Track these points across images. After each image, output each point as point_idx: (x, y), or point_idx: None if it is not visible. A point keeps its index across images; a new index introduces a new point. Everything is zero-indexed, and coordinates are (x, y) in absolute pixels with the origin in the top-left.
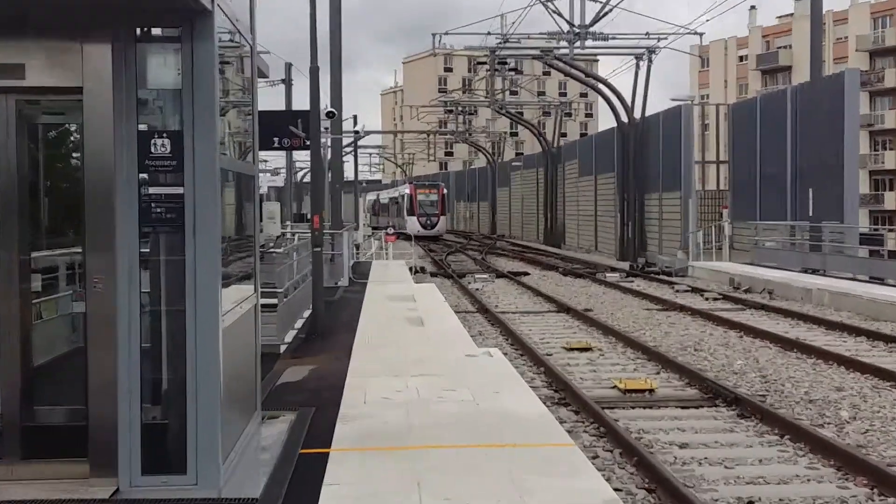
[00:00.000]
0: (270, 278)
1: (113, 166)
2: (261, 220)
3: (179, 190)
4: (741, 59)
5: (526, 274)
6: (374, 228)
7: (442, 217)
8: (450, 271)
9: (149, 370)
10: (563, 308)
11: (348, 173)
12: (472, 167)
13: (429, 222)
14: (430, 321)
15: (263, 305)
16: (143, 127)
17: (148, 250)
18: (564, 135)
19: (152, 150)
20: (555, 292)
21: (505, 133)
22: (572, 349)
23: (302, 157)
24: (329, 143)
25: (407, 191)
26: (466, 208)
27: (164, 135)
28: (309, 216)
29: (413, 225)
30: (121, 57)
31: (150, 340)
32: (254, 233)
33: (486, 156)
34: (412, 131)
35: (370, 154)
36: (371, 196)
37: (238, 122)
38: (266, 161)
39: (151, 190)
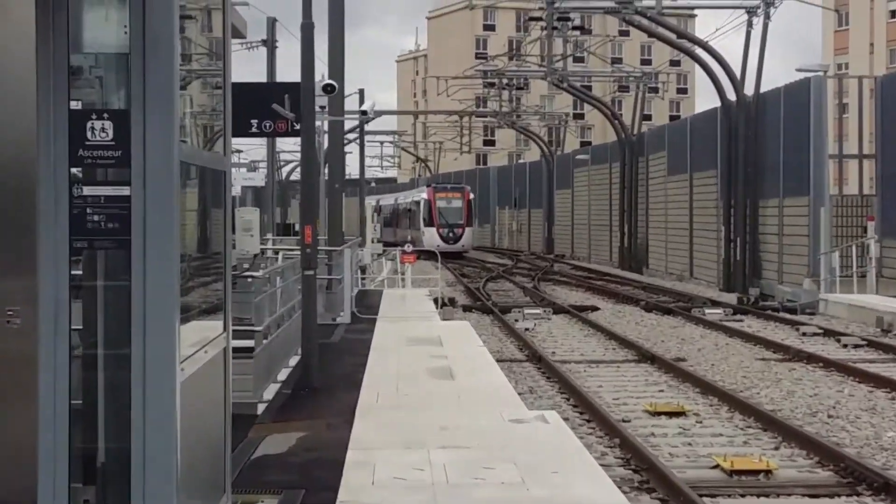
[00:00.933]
0: (246, 312)
1: (34, 158)
2: (233, 233)
3: (125, 191)
4: (893, 14)
5: (594, 309)
6: (385, 245)
7: (467, 228)
8: (489, 304)
9: (80, 437)
10: (646, 356)
11: (352, 169)
12: (521, 161)
13: (451, 234)
14: (463, 373)
15: (236, 349)
16: (75, 105)
17: (81, 273)
18: (648, 117)
19: (89, 136)
20: (634, 334)
21: (566, 115)
22: (658, 413)
23: (289, 145)
24: (326, 128)
25: (424, 195)
26: (512, 218)
27: (105, 115)
28: (298, 227)
29: (431, 238)
30: (46, 8)
31: (81, 396)
32: (224, 250)
33: (540, 146)
34: (439, 112)
35: (382, 143)
36: (377, 200)
37: (204, 99)
38: (240, 152)
39: (87, 190)
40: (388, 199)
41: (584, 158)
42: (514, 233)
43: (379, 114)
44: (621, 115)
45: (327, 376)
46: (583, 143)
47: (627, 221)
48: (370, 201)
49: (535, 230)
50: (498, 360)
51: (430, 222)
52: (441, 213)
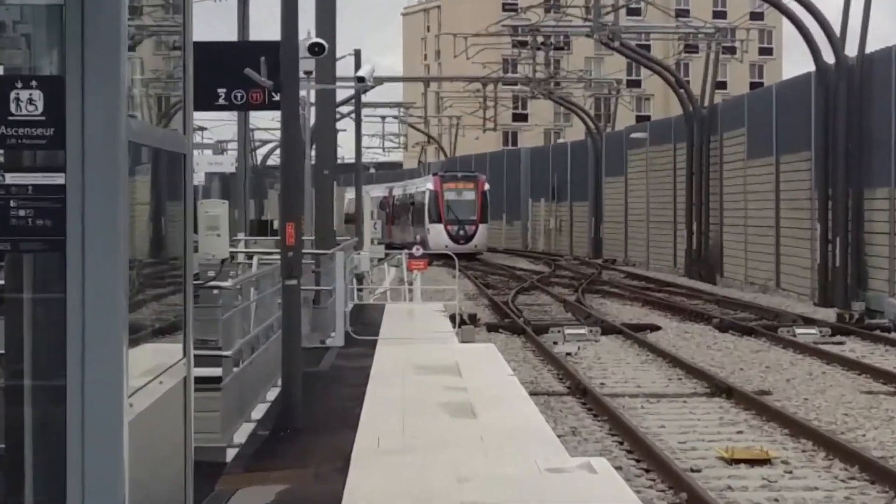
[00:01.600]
0: (211, 332)
1: None
2: (195, 233)
3: (59, 178)
4: None
5: (654, 328)
6: (388, 247)
7: (481, 225)
8: (521, 322)
9: (2, 488)
10: (721, 388)
11: (346, 151)
12: (561, 141)
13: (462, 232)
14: (487, 409)
15: (199, 379)
16: None
17: (3, 283)
18: (722, 85)
19: (13, 109)
20: (706, 361)
21: (618, 82)
22: (736, 461)
23: (266, 122)
24: (313, 99)
25: (430, 185)
26: (550, 213)
27: (34, 84)
28: (277, 225)
29: (438, 237)
30: None
31: (4, 438)
32: (184, 254)
33: (584, 121)
34: (457, 78)
35: (384, 119)
36: (375, 191)
37: (159, 63)
38: (204, 129)
39: (10, 178)
40: (377, 191)
41: (640, 137)
42: (552, 232)
43: (380, 81)
44: (688, 81)
45: (315, 413)
46: (639, 119)
47: (696, 217)
48: (369, 192)
49: (578, 228)
50: (531, 393)
51: (436, 218)
52: (450, 206)
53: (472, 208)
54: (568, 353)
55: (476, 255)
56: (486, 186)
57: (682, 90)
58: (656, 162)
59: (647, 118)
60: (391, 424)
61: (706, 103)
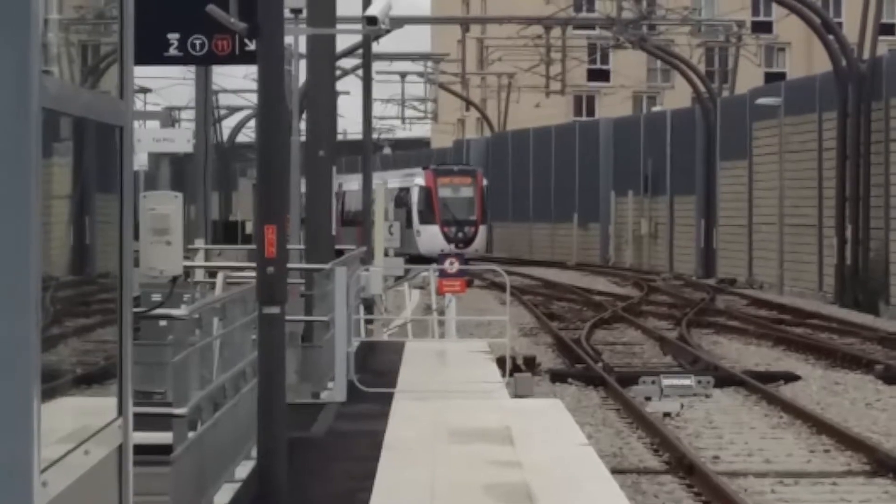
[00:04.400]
0: (158, 381)
1: None
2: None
3: None
4: None
5: (791, 378)
6: (410, 259)
7: (480, 227)
8: (599, 369)
9: None
10: (887, 465)
11: (349, 123)
12: (657, 109)
13: (460, 234)
14: (552, 495)
15: (142, 448)
16: None
17: None
18: (888, 28)
19: None
20: (865, 425)
21: (739, 25)
22: None
23: (235, 80)
24: (303, 49)
25: (420, 181)
26: (641, 212)
27: None
28: (252, 228)
29: (432, 240)
30: None
31: None
32: (119, 270)
33: (691, 80)
34: (508, 19)
35: (404, 77)
36: (392, 180)
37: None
38: (148, 92)
39: None
40: (395, 180)
41: (771, 104)
42: (644, 239)
43: (399, 23)
44: (840, 24)
45: (304, 499)
46: (769, 77)
47: (851, 219)
48: (384, 181)
49: (681, 235)
50: (614, 471)
51: (429, 218)
52: (445, 205)
53: (470, 207)
54: (667, 414)
55: (471, 260)
56: (485, 182)
57: (830, 36)
58: (794, 139)
59: (782, 76)
60: None
61: (866, 55)
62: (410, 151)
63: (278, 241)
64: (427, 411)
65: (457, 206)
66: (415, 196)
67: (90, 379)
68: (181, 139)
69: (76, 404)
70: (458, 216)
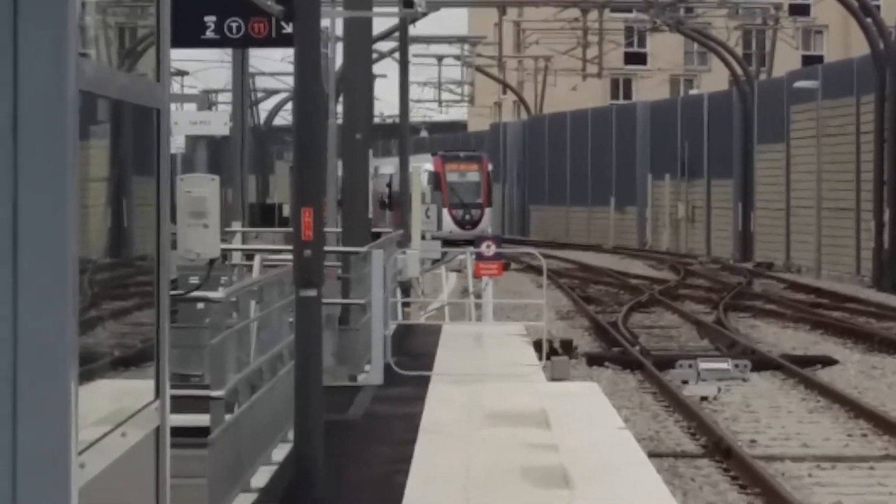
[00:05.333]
0: (195, 364)
1: None
2: (173, 222)
3: None
4: None
5: (829, 362)
6: (447, 244)
7: (487, 210)
8: (636, 352)
9: None
10: None
11: (386, 106)
12: (694, 93)
13: (467, 217)
14: (589, 478)
15: (179, 430)
16: None
17: None
18: None
19: None
20: None
21: (777, 8)
22: None
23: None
24: (340, 32)
25: (429, 167)
26: (678, 196)
27: None
28: (289, 211)
29: (441, 222)
30: None
31: None
32: (156, 253)
33: (729, 64)
34: (545, 2)
35: (440, 60)
36: (429, 163)
37: None
38: (185, 75)
39: None
40: (430, 163)
41: (809, 87)
42: (681, 222)
43: (436, 6)
44: (877, 6)
45: (341, 482)
46: (807, 60)
47: (890, 203)
48: (421, 165)
49: (718, 218)
50: (651, 455)
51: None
52: (453, 189)
53: (476, 191)
54: (704, 398)
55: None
56: (490, 167)
57: (869, 19)
58: (832, 123)
59: (819, 59)
60: (450, 502)
61: None
62: (447, 134)
63: (315, 224)
64: (463, 394)
65: (463, 189)
66: (424, 181)
67: (127, 361)
68: (218, 122)
69: (113, 387)
70: (465, 199)
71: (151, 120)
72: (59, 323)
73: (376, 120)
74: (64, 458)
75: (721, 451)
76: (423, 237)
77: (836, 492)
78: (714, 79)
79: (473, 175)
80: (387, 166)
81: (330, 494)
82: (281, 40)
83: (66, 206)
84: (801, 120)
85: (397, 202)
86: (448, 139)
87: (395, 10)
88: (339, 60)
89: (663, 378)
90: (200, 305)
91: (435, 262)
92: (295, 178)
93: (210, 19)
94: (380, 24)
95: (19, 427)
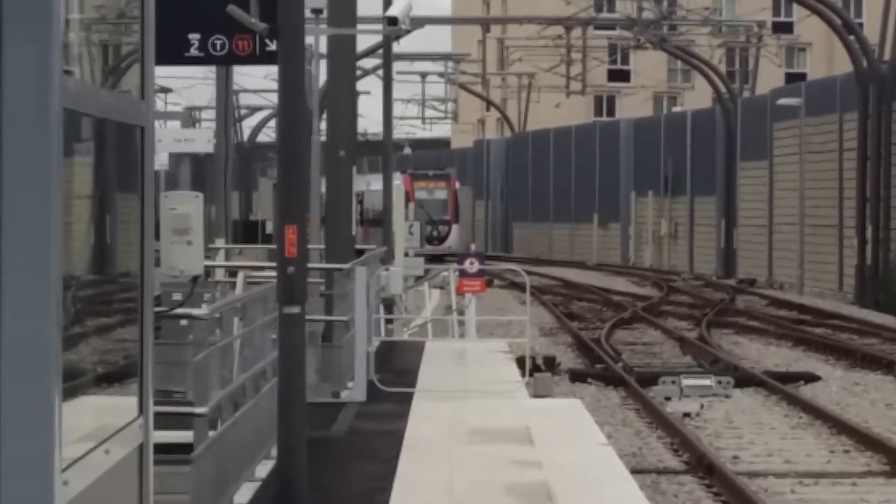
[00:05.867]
0: (178, 381)
1: None
2: (156, 239)
3: None
4: None
5: (811, 378)
6: (444, 259)
7: (454, 226)
8: (619, 369)
9: None
10: None
11: (370, 123)
12: (678, 110)
13: (435, 234)
14: (572, 495)
15: (162, 447)
16: None
17: None
18: None
19: None
20: (885, 425)
21: (759, 26)
22: None
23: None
24: (324, 49)
25: (398, 184)
26: (661, 213)
27: None
28: (272, 228)
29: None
30: None
31: None
32: (140, 269)
33: (712, 81)
34: (529, 19)
35: (424, 77)
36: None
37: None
38: (168, 92)
39: None
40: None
41: (792, 105)
42: (664, 239)
43: (420, 23)
44: (861, 25)
45: (324, 498)
46: (790, 78)
47: (872, 219)
48: (366, 182)
49: (701, 235)
50: (634, 471)
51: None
52: (422, 206)
53: (444, 208)
54: (686, 414)
55: (447, 256)
56: (457, 185)
57: (851, 37)
58: (815, 140)
59: (803, 77)
60: None
61: (887, 56)
62: (430, 151)
63: (298, 241)
64: (447, 411)
65: (431, 206)
66: None
67: (111, 378)
68: (202, 139)
69: (97, 403)
70: (433, 216)
71: (135, 137)
72: (43, 339)
73: (360, 137)
74: (47, 475)
75: (704, 467)
76: (406, 254)
77: None
78: (697, 96)
79: (441, 192)
80: (358, 183)
81: None
82: (265, 57)
83: (49, 222)
84: (785, 137)
85: (368, 218)
86: (431, 156)
87: (379, 27)
88: (322, 77)
89: (646, 394)
90: (184, 322)
91: (418, 278)
92: (278, 195)
93: (194, 37)
94: (364, 42)
95: (2, 443)
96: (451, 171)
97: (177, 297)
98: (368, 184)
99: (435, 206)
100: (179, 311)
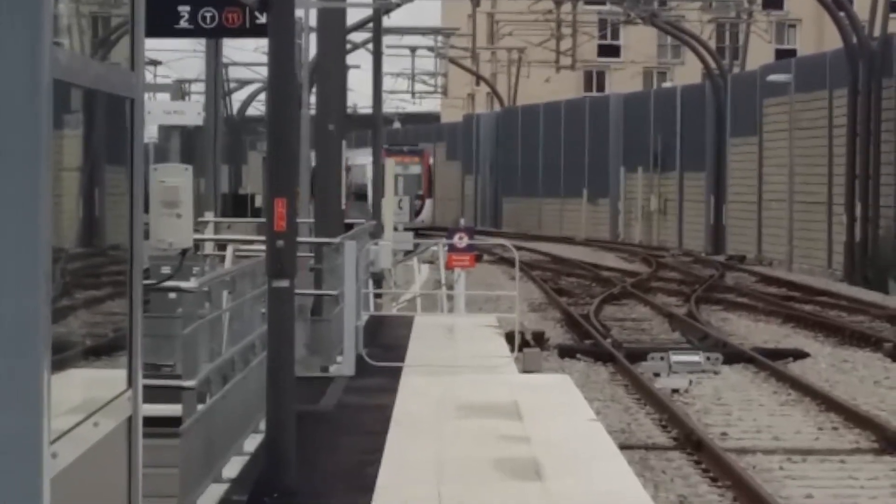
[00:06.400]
0: (167, 354)
1: None
2: (145, 212)
3: None
4: None
5: (800, 355)
6: (417, 232)
7: (427, 200)
8: (607, 344)
9: None
10: (894, 443)
11: (359, 97)
12: (667, 86)
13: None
14: (560, 470)
15: (151, 420)
16: None
17: None
18: None
19: None
20: (873, 403)
21: (750, 2)
22: None
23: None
24: (313, 23)
25: (390, 160)
26: (651, 188)
27: None
28: (261, 202)
29: None
30: None
31: None
32: (129, 242)
33: (702, 57)
34: None
35: (414, 51)
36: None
37: None
38: (158, 64)
39: None
40: None
41: (782, 81)
42: (654, 215)
43: None
44: (851, 0)
45: (313, 472)
46: (780, 54)
47: (861, 197)
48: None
49: (690, 211)
50: (622, 447)
51: None
52: (396, 181)
53: (418, 182)
54: (675, 390)
55: (421, 230)
56: (431, 160)
57: (842, 13)
58: (804, 116)
59: (792, 53)
60: (421, 492)
61: (877, 32)
62: (420, 126)
63: (288, 215)
64: (436, 386)
65: (406, 182)
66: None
67: (100, 351)
68: (191, 112)
69: (86, 376)
70: (406, 191)
71: (125, 109)
72: (32, 312)
73: (350, 111)
74: (36, 448)
75: (692, 443)
76: (395, 228)
77: (806, 485)
78: (687, 72)
79: (415, 168)
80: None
81: (301, 485)
82: (255, 30)
83: (38, 194)
84: (774, 113)
85: (351, 192)
86: (421, 130)
87: (369, 1)
88: (312, 51)
89: (635, 370)
90: (173, 295)
91: (407, 253)
92: (268, 169)
93: (184, 9)
94: (353, 15)
95: None
96: (426, 146)
97: (166, 270)
98: (350, 158)
99: (409, 181)
100: (169, 283)
